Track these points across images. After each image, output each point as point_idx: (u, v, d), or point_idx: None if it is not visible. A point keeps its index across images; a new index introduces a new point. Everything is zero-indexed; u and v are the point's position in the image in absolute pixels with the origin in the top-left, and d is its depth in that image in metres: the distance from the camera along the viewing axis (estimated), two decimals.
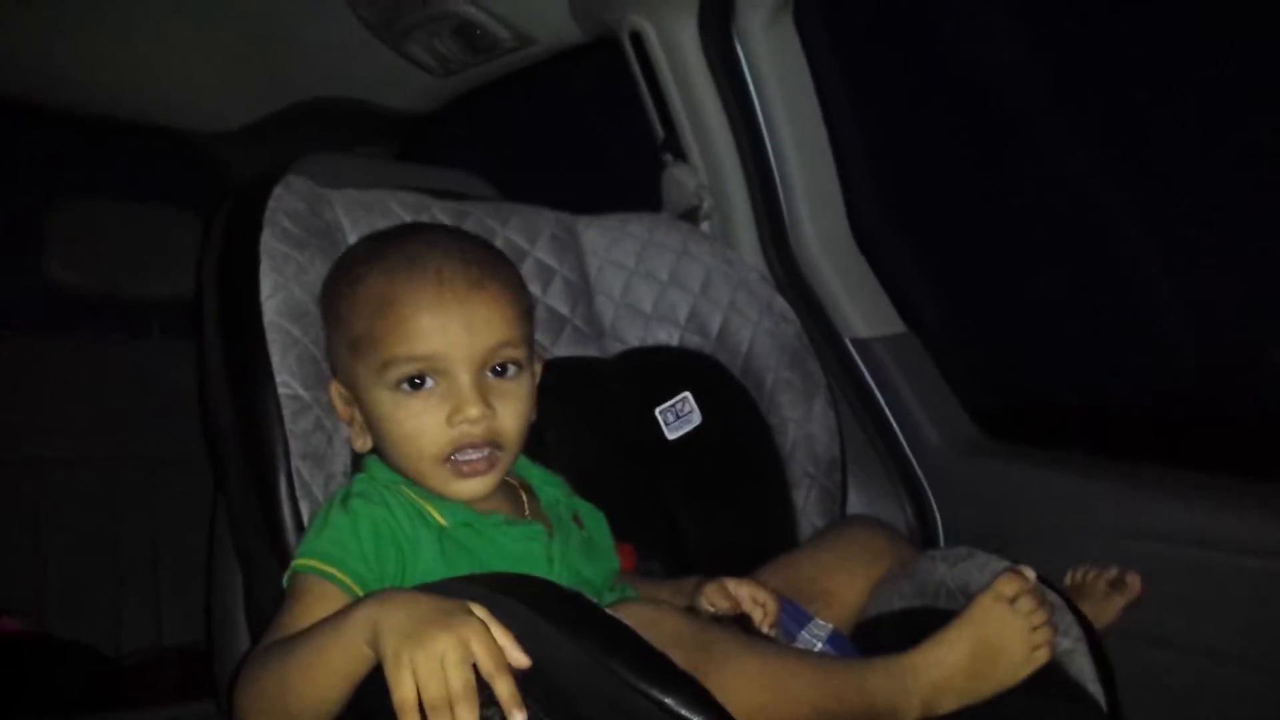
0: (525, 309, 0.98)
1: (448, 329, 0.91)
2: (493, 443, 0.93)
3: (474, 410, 0.91)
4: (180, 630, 1.86)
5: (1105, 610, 1.19)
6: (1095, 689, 0.96)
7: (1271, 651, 1.08)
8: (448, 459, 0.92)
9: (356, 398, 0.96)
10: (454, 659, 0.68)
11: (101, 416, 1.94)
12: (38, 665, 1.61)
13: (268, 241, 1.03)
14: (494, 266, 0.98)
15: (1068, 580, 1.25)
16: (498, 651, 0.70)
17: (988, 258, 1.60)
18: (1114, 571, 1.22)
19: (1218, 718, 1.11)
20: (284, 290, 1.02)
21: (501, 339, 0.93)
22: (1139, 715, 0.96)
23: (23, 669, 1.57)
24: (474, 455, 0.92)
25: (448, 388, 0.92)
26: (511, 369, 0.95)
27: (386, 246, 0.97)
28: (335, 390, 0.99)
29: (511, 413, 0.94)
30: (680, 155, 1.59)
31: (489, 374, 0.94)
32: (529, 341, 0.98)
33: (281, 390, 0.98)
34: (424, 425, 0.92)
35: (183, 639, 1.84)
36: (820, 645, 1.00)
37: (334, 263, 1.04)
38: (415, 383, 0.92)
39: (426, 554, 0.90)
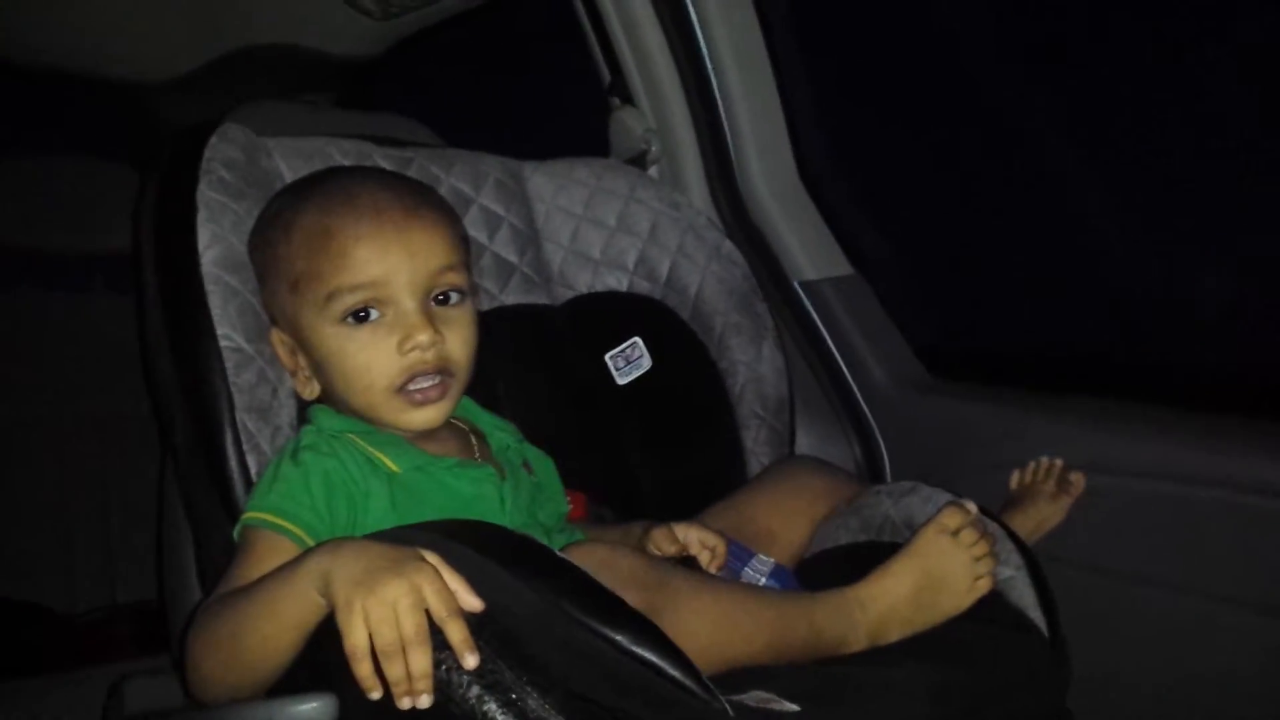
0: (461, 237, 1.00)
1: (388, 255, 0.91)
2: (443, 369, 0.94)
3: (424, 335, 0.91)
4: (134, 590, 1.85)
5: (1053, 511, 1.22)
6: (1036, 615, 0.98)
7: (1205, 577, 1.12)
8: (401, 389, 0.93)
9: (301, 342, 0.96)
10: (406, 604, 0.69)
11: (46, 375, 1.91)
12: None
13: (204, 192, 1.02)
14: (426, 195, 1.00)
15: (1013, 483, 1.28)
16: (450, 596, 0.71)
17: (933, 199, 1.61)
18: (1059, 465, 1.25)
19: (1152, 641, 1.15)
20: (222, 241, 1.00)
21: (442, 263, 0.94)
22: (1078, 640, 0.99)
23: None
24: (426, 383, 0.93)
25: (394, 316, 0.92)
26: (454, 296, 0.96)
27: (317, 187, 0.98)
28: (277, 339, 0.99)
29: (459, 339, 0.95)
30: (627, 99, 1.58)
31: (433, 303, 0.94)
32: (468, 268, 0.99)
33: (223, 343, 0.97)
34: (374, 356, 0.92)
35: (137, 598, 1.83)
36: (764, 580, 1.01)
37: (260, 213, 1.03)
38: (361, 316, 0.92)
39: (377, 503, 0.90)
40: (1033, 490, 1.25)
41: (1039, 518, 1.22)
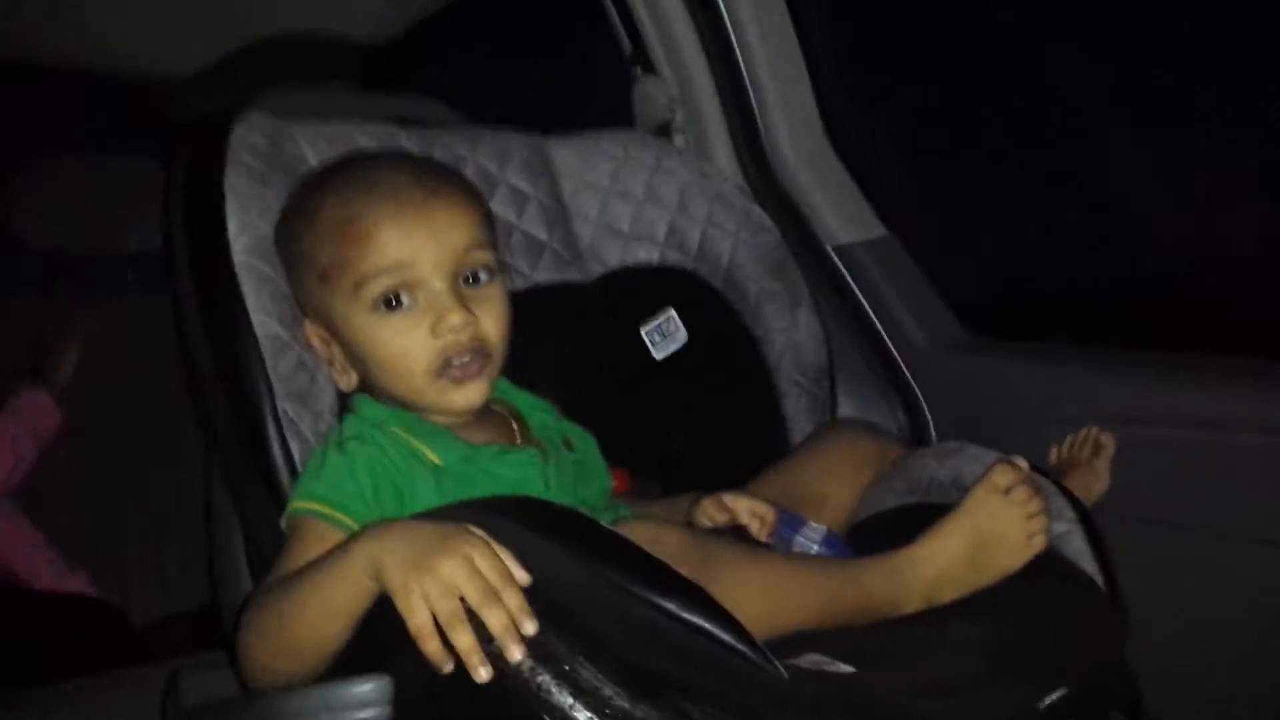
0: (486, 215, 0.98)
1: (412, 236, 0.90)
2: (479, 349, 0.93)
3: (456, 316, 0.90)
4: (187, 593, 1.84)
5: (1096, 476, 1.21)
6: (1092, 568, 0.97)
7: (1254, 523, 1.10)
8: (439, 371, 0.92)
9: (335, 333, 0.95)
10: (463, 575, 0.69)
11: (85, 379, 1.91)
12: (61, 624, 1.60)
13: (231, 179, 1.01)
14: (446, 175, 0.99)
15: (1051, 459, 1.26)
16: (502, 566, 0.70)
17: (965, 155, 1.59)
18: (1090, 431, 1.23)
19: (1204, 589, 1.14)
20: (251, 228, 1.00)
21: (468, 242, 0.93)
22: (1133, 591, 0.97)
23: (45, 627, 1.56)
24: (463, 359, 0.92)
25: (426, 300, 0.91)
26: (484, 275, 0.95)
27: (335, 175, 0.97)
28: (311, 331, 0.98)
29: (493, 317, 0.94)
30: (649, 68, 1.56)
31: (463, 284, 0.93)
32: (495, 246, 0.98)
33: (259, 330, 0.96)
34: (410, 341, 0.91)
35: (190, 601, 1.82)
36: (816, 548, 1.00)
37: (282, 207, 1.02)
38: (392, 303, 0.91)
39: (423, 494, 0.89)
40: (1071, 461, 1.24)
41: (1083, 486, 1.20)
